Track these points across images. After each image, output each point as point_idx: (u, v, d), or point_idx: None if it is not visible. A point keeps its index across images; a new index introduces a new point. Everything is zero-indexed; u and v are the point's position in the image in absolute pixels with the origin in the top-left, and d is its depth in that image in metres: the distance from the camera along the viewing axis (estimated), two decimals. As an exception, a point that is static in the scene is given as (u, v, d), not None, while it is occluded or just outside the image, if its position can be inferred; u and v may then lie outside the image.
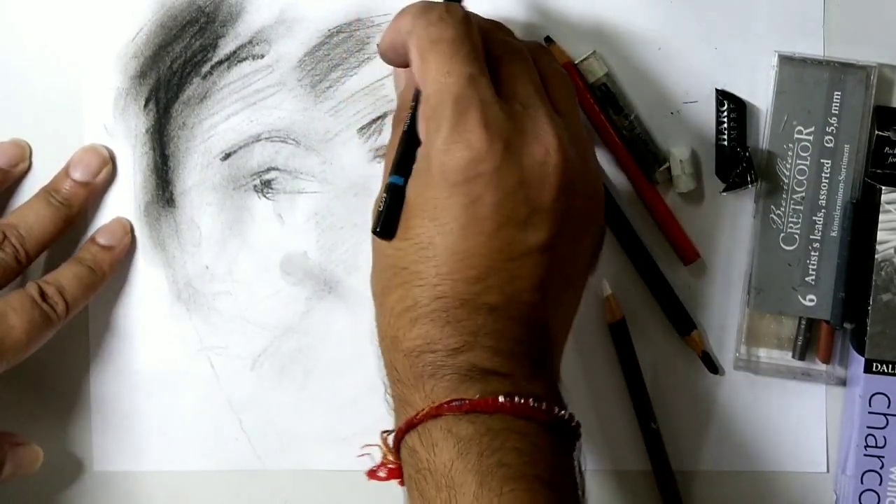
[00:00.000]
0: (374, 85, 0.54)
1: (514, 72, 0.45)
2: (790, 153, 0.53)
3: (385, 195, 0.43)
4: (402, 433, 0.41)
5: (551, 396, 0.42)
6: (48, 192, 0.52)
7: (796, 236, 0.53)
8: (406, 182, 0.43)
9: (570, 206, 0.43)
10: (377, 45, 0.49)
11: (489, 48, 0.45)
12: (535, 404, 0.40)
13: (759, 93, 0.54)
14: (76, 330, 0.54)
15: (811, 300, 0.53)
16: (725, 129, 0.53)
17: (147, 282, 0.55)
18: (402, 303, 0.42)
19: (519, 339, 0.42)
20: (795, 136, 0.53)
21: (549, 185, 0.42)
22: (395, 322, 0.42)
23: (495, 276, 0.41)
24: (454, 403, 0.40)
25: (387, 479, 0.43)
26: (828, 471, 0.55)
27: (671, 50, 0.54)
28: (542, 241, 0.42)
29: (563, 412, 0.41)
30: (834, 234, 0.53)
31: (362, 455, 0.45)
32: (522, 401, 0.40)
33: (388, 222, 0.43)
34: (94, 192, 0.53)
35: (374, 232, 0.43)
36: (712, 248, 0.55)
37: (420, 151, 0.43)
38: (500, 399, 0.40)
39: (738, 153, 0.53)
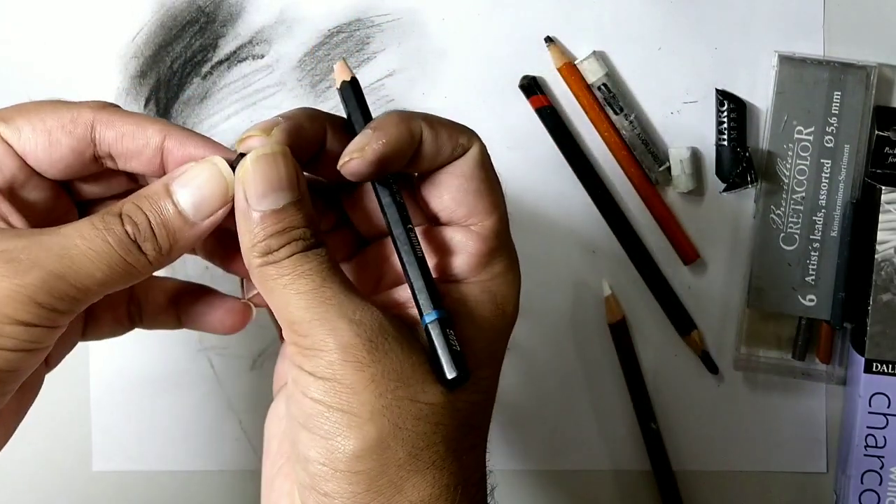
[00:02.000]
0: (374, 85, 0.54)
1: None
2: (790, 153, 0.53)
3: (441, 331, 0.33)
4: None
5: None
6: None
7: (796, 236, 0.53)
8: (448, 313, 0.34)
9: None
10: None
11: None
12: None
13: (759, 93, 0.54)
14: (76, 330, 0.54)
15: (811, 300, 0.53)
16: (725, 129, 0.53)
17: (147, 282, 0.55)
18: (479, 469, 0.34)
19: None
20: (795, 136, 0.53)
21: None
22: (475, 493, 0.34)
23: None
24: None
25: None
26: (828, 471, 0.55)
27: (671, 50, 0.54)
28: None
29: None
30: (834, 234, 0.53)
31: None
32: None
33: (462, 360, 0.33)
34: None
35: (449, 381, 0.32)
36: (712, 248, 0.55)
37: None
38: None
39: (738, 153, 0.53)
